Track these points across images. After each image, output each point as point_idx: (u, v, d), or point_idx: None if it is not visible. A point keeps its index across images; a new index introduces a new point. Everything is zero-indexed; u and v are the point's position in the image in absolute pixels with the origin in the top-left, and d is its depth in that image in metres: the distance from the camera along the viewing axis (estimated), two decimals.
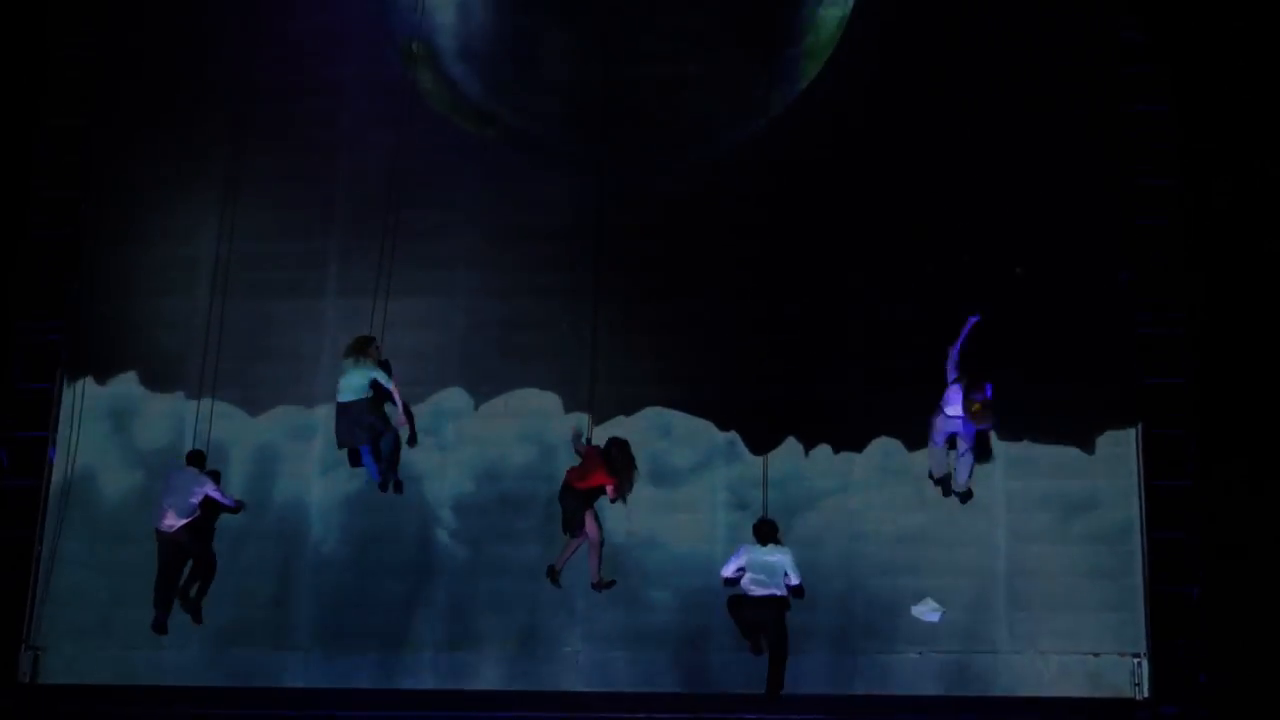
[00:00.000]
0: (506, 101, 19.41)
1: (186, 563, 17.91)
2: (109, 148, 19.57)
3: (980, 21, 18.60)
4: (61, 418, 18.89)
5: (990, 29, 18.62)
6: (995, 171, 18.24)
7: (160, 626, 17.82)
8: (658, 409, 18.47)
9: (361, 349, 17.86)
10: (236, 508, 18.22)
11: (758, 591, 16.97)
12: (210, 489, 17.83)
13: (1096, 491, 17.93)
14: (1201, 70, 18.49)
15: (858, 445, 18.21)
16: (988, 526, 17.96)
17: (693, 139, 19.07)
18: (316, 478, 18.57)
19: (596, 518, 17.90)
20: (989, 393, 16.88)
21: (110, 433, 18.90)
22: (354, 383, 17.73)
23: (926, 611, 17.70)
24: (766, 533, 17.21)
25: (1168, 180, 18.36)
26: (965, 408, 16.92)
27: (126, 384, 18.96)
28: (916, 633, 17.80)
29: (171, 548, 17.73)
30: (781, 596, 16.99)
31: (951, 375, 17.11)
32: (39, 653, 18.45)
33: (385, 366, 18.11)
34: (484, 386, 18.64)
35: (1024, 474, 17.99)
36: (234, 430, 18.69)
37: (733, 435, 18.35)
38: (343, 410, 17.79)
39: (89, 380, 18.95)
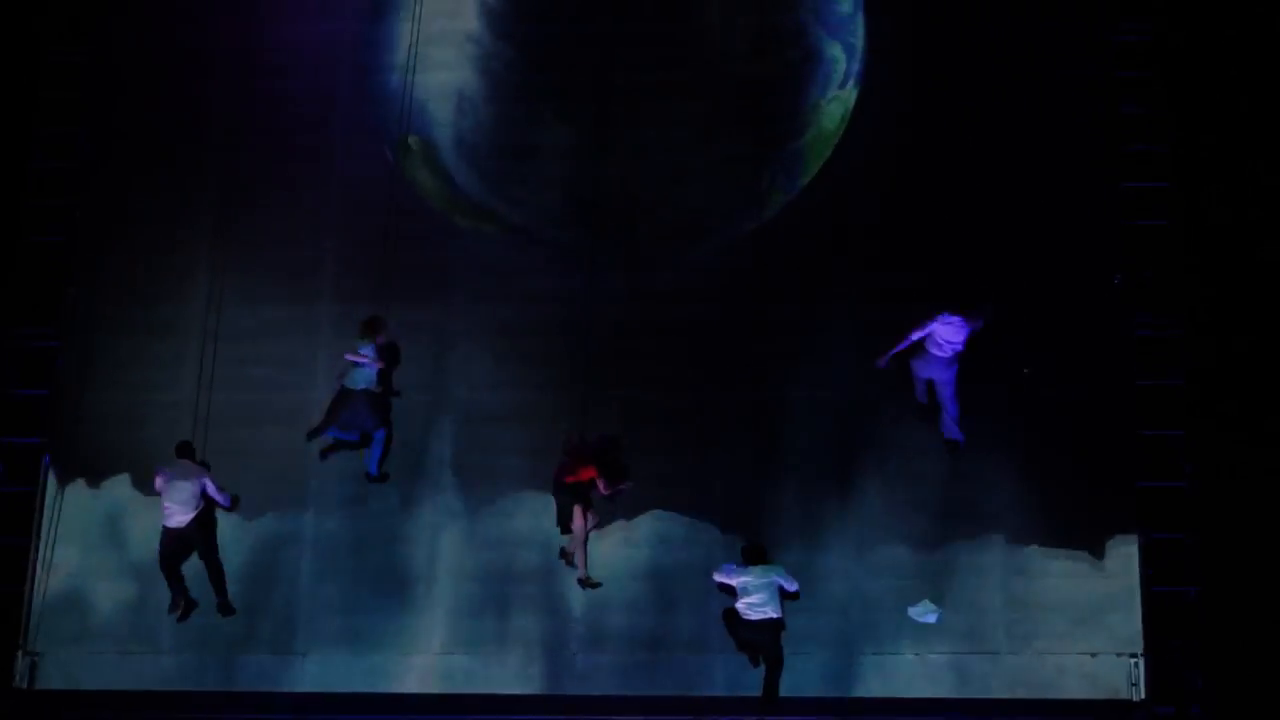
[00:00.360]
0: (504, 197, 19.25)
1: (189, 554, 17.87)
2: (102, 155, 19.56)
3: (979, 61, 18.77)
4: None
5: (987, 56, 18.77)
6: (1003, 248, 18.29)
7: (177, 605, 17.85)
8: (658, 512, 18.40)
9: (365, 330, 17.91)
10: (232, 506, 18.13)
11: (754, 616, 16.95)
12: (209, 481, 17.77)
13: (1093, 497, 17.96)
14: (1197, 73, 18.59)
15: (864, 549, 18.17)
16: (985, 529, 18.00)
17: (692, 233, 18.91)
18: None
19: (585, 513, 17.86)
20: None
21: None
22: (362, 370, 17.81)
23: (924, 613, 17.72)
24: (756, 555, 17.12)
25: (1165, 183, 18.41)
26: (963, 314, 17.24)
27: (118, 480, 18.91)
28: (914, 634, 17.77)
29: (177, 543, 17.72)
30: (777, 619, 16.97)
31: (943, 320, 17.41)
32: (35, 658, 18.38)
33: (392, 351, 18.21)
34: (478, 489, 18.53)
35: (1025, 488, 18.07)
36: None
37: (733, 538, 18.07)
38: (345, 395, 17.92)
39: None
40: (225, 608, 18.01)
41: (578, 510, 17.83)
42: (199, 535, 17.75)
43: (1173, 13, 18.58)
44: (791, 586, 17.03)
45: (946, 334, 17.43)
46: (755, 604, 16.93)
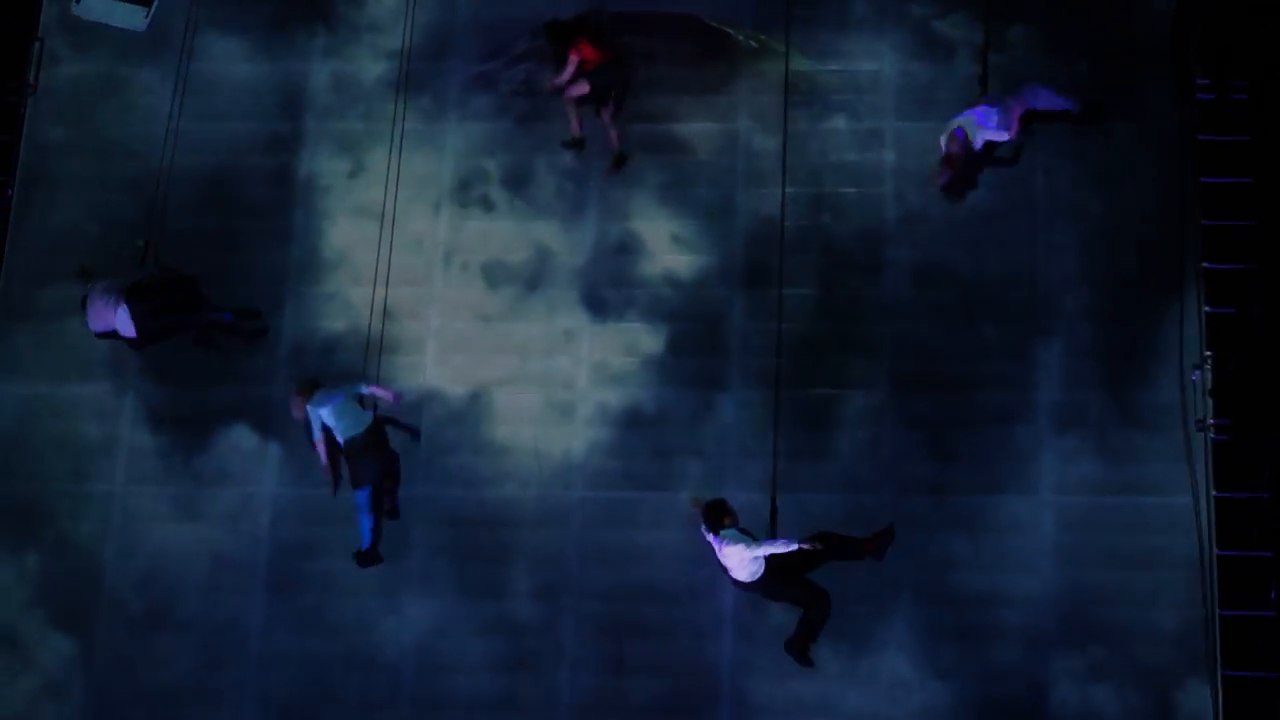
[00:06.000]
0: None
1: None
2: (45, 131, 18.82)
3: None
4: None
5: None
6: None
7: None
8: None
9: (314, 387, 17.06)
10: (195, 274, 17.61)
11: (744, 579, 15.71)
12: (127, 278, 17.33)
13: None
14: None
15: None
16: None
17: None
18: None
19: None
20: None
21: None
22: (345, 411, 16.76)
23: None
24: (714, 517, 15.65)
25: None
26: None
27: None
28: None
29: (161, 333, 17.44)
30: (761, 578, 15.57)
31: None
32: None
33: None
34: None
35: None
36: None
37: None
38: (352, 445, 16.79)
39: None
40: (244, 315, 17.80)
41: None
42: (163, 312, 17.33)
43: None
44: (764, 550, 15.48)
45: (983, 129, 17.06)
46: (732, 575, 15.77)
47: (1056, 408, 17.09)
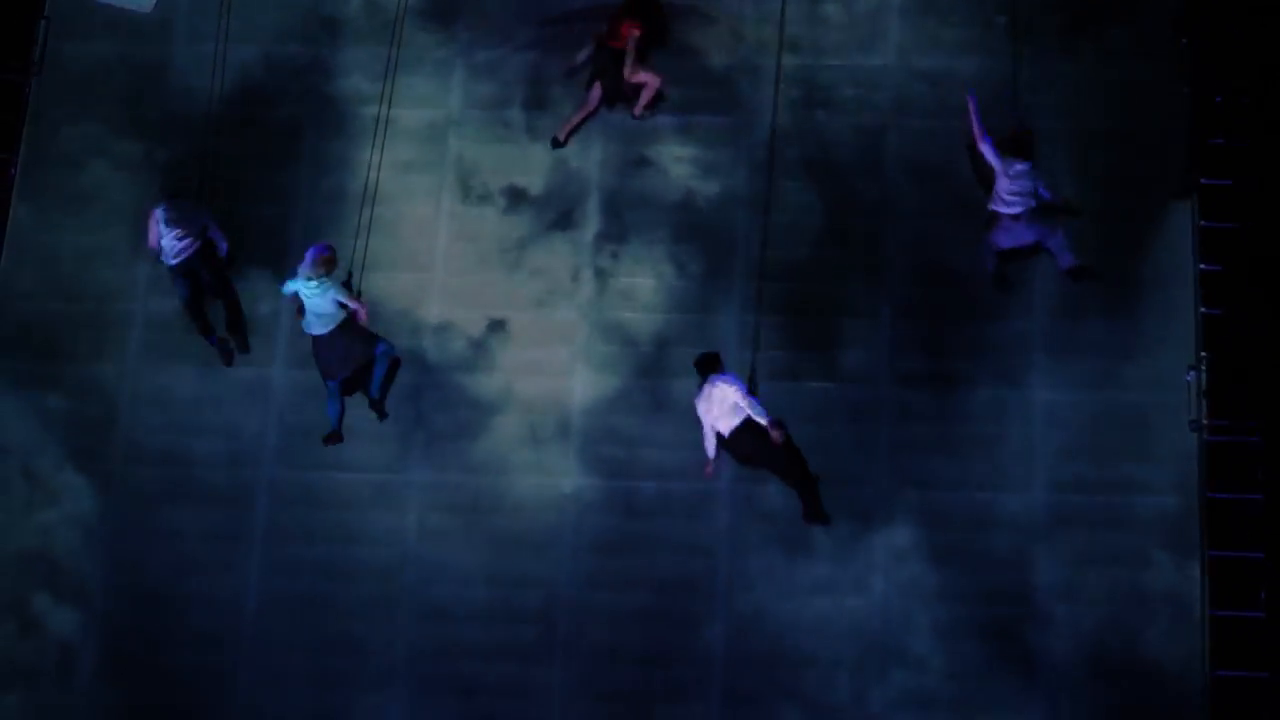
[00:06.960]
0: None
1: (203, 293, 17.53)
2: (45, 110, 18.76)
3: None
4: None
5: None
6: None
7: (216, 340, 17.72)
8: None
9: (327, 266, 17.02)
10: (228, 257, 17.58)
11: (726, 430, 16.20)
12: (210, 220, 17.34)
13: None
14: None
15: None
16: None
17: None
18: None
19: (604, 86, 17.99)
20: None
21: None
22: (323, 308, 16.95)
23: None
24: (711, 364, 16.36)
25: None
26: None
27: None
28: None
29: (189, 278, 17.33)
30: (740, 426, 16.11)
31: (994, 162, 16.89)
32: None
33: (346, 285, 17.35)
34: None
35: None
36: None
37: None
38: (320, 343, 17.07)
39: None
40: (239, 339, 17.72)
41: (599, 84, 17.92)
42: (205, 264, 17.31)
43: None
44: (761, 417, 16.08)
45: (1005, 189, 16.86)
46: (724, 420, 16.22)
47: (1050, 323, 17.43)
